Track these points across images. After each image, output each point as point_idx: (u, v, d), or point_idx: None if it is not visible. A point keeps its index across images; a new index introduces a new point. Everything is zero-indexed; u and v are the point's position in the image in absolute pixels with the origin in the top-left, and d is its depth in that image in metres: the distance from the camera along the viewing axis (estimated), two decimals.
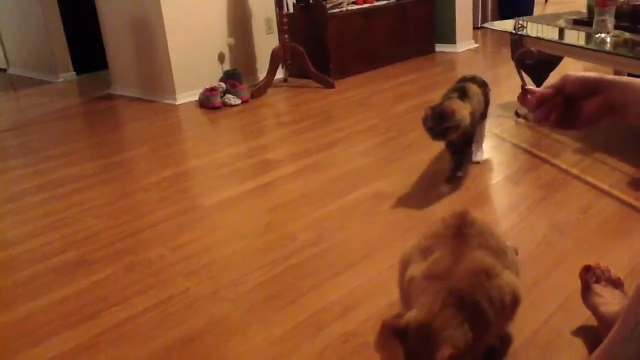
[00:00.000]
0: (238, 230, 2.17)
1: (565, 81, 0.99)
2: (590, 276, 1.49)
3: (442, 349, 1.10)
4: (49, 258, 2.05)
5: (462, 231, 1.34)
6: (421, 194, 2.34)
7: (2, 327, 1.68)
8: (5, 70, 5.82)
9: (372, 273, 1.79)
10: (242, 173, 2.75)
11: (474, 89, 2.47)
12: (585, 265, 1.51)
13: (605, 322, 1.37)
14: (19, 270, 1.99)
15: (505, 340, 1.43)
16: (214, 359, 1.47)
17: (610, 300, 1.44)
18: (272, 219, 2.23)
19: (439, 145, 2.87)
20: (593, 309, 1.44)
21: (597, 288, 1.47)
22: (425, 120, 2.28)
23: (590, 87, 0.97)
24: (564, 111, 0.99)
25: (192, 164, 2.97)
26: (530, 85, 3.19)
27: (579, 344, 1.41)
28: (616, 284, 1.49)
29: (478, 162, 2.57)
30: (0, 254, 2.11)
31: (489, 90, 2.63)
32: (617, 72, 3.28)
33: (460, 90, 2.42)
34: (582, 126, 0.99)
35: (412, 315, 1.19)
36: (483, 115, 2.59)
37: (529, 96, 1.03)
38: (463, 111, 2.29)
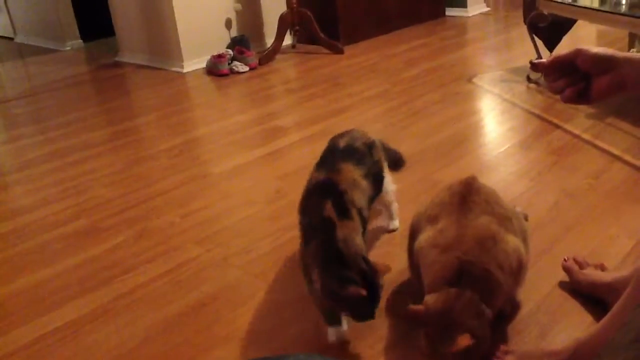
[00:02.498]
0: (248, 197, 2.17)
1: (577, 55, 0.97)
2: (571, 263, 1.50)
3: (460, 339, 1.11)
4: (60, 226, 2.07)
5: (466, 199, 1.34)
6: (432, 160, 2.33)
7: (15, 294, 1.70)
8: (12, 38, 5.79)
9: (383, 239, 1.79)
10: (252, 140, 2.74)
11: (349, 174, 1.48)
12: (564, 258, 1.53)
13: (607, 289, 1.37)
14: (30, 238, 2.01)
15: (515, 306, 1.43)
16: (224, 324, 1.48)
17: (601, 273, 1.45)
18: (281, 186, 2.22)
19: (450, 111, 2.84)
20: (588, 283, 1.44)
21: (584, 268, 1.48)
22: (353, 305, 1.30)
23: (603, 64, 0.95)
24: (580, 88, 0.97)
25: (201, 132, 2.96)
26: (541, 54, 3.14)
27: (587, 309, 1.41)
28: (601, 267, 1.49)
29: (395, 230, 1.84)
30: (12, 222, 2.13)
31: (377, 146, 1.67)
32: (632, 35, 3.22)
33: (335, 198, 1.39)
34: (593, 101, 0.98)
35: (431, 301, 1.19)
36: (377, 185, 1.62)
37: (544, 61, 1.01)
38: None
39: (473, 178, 1.38)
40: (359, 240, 1.34)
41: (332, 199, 1.37)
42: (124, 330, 1.50)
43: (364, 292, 1.20)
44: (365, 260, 1.27)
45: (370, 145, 1.62)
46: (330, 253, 1.28)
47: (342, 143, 1.58)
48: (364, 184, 1.49)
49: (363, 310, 1.26)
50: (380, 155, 1.66)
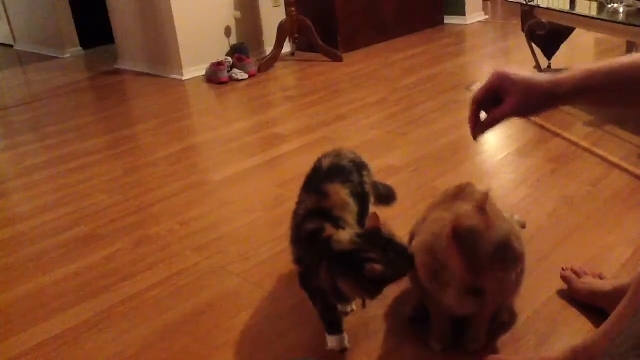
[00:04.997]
0: (247, 205, 2.17)
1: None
2: (570, 273, 1.50)
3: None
4: (59, 233, 2.07)
5: (458, 196, 1.33)
6: (431, 167, 2.33)
7: (14, 301, 1.70)
8: (12, 46, 5.80)
9: None
10: (251, 148, 2.74)
11: (338, 192, 1.41)
12: (563, 268, 1.53)
13: (606, 298, 1.37)
14: (29, 245, 2.01)
15: (512, 315, 1.43)
16: (223, 332, 1.48)
17: (600, 282, 1.45)
18: (280, 193, 2.22)
19: (449, 118, 2.85)
20: (587, 292, 1.44)
21: (582, 278, 1.48)
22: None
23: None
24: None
25: (200, 139, 2.97)
26: (539, 62, 3.15)
27: (586, 318, 1.41)
28: (599, 277, 1.49)
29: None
30: (11, 229, 2.13)
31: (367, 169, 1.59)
32: (629, 43, 3.23)
33: (324, 216, 1.35)
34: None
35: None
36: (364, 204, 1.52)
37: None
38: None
39: (468, 183, 1.38)
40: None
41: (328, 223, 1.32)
42: (122, 337, 1.50)
43: (379, 268, 1.17)
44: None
45: (359, 165, 1.56)
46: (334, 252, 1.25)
47: (326, 165, 1.52)
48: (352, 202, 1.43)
49: (381, 283, 1.22)
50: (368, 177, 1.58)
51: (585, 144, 2.41)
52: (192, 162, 2.64)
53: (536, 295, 1.49)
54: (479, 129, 1.09)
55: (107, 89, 4.08)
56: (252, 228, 1.99)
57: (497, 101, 1.06)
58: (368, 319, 1.47)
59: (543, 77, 1.03)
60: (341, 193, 1.41)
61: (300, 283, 1.37)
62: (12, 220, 2.20)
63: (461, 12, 5.20)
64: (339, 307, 1.42)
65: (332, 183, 1.42)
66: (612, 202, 1.94)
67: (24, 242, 2.03)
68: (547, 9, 3.00)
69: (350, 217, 1.38)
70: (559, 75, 1.01)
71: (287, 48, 4.43)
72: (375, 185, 1.69)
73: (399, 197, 1.82)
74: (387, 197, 1.77)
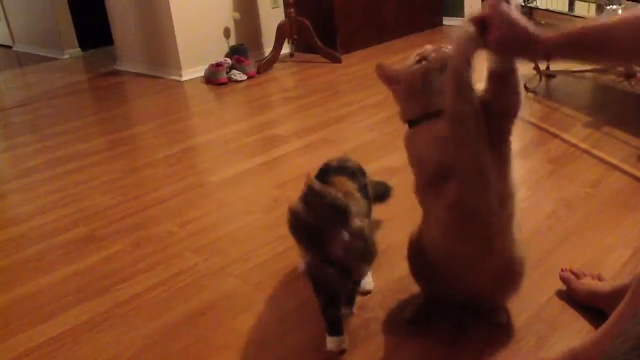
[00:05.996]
0: (246, 206, 2.17)
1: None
2: (569, 274, 1.51)
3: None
4: (59, 234, 2.06)
5: None
6: None
7: (13, 302, 1.70)
8: (10, 47, 5.80)
9: (381, 247, 1.78)
10: (250, 149, 2.74)
11: (345, 183, 1.47)
12: (562, 269, 1.53)
13: (606, 299, 1.37)
14: (29, 246, 2.01)
15: (511, 316, 1.43)
16: (222, 333, 1.48)
17: (599, 283, 1.45)
18: (280, 194, 2.22)
19: None
20: (587, 293, 1.44)
21: (581, 279, 1.49)
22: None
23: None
24: None
25: (199, 140, 2.97)
26: (537, 63, 3.15)
27: (585, 319, 1.41)
28: (598, 278, 1.49)
29: (369, 292, 1.59)
30: (10, 230, 2.13)
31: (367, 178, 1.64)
32: None
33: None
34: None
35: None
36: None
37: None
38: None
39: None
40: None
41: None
42: (121, 339, 1.50)
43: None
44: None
45: (362, 172, 1.61)
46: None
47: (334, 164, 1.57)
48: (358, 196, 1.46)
49: None
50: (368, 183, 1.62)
51: (584, 145, 2.41)
52: (191, 163, 2.64)
53: (535, 296, 1.49)
54: None
55: (106, 90, 4.08)
56: (251, 229, 1.99)
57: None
58: (368, 320, 1.47)
59: (533, 26, 1.11)
60: (347, 184, 1.44)
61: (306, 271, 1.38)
62: (11, 221, 2.20)
63: (460, 13, 5.21)
64: (343, 309, 1.43)
65: (339, 176, 1.47)
66: (611, 204, 1.94)
67: (23, 243, 2.03)
68: (546, 10, 3.01)
69: (355, 207, 1.36)
70: (548, 32, 1.10)
71: (286, 49, 4.43)
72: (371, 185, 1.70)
73: (398, 198, 1.82)
74: (382, 194, 1.80)
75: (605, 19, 1.09)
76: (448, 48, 1.23)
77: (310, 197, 1.26)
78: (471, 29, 1.14)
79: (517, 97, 1.22)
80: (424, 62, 1.26)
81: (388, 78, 1.33)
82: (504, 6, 1.13)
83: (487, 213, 1.22)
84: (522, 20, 1.12)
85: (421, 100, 1.28)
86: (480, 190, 1.19)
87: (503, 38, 1.12)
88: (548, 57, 1.19)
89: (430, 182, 1.26)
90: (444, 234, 1.29)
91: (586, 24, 1.09)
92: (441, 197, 1.23)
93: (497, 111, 1.18)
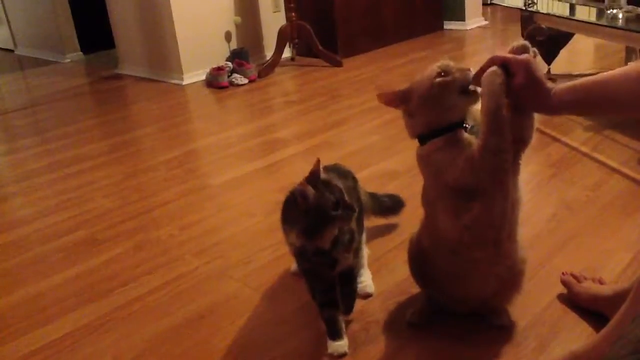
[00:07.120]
0: (247, 209, 2.17)
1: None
2: (570, 278, 1.50)
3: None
4: (60, 237, 2.07)
5: None
6: None
7: (14, 305, 1.70)
8: (12, 50, 5.81)
9: (379, 253, 1.79)
10: (251, 152, 2.75)
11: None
12: (563, 272, 1.53)
13: (607, 302, 1.37)
14: (29, 249, 2.01)
15: (513, 319, 1.43)
16: (223, 336, 1.48)
17: (601, 286, 1.45)
18: (280, 198, 2.21)
19: None
20: (588, 296, 1.43)
21: (582, 282, 1.48)
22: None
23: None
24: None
25: (201, 144, 2.97)
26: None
27: (586, 322, 1.41)
28: (599, 281, 1.49)
29: (370, 295, 1.58)
30: (11, 233, 2.13)
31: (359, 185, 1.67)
32: (629, 49, 3.24)
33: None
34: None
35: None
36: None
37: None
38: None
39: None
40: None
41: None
42: (122, 342, 1.50)
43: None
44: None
45: (354, 177, 1.63)
46: None
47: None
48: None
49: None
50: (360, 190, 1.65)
51: (584, 148, 2.41)
52: (192, 166, 2.64)
53: (536, 299, 1.49)
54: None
55: (108, 94, 4.09)
56: (252, 233, 1.99)
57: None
58: (368, 324, 1.47)
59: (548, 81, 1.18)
60: (339, 183, 1.44)
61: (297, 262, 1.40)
62: (13, 224, 2.20)
63: (461, 17, 5.22)
64: (341, 316, 1.43)
65: (330, 175, 1.48)
66: (612, 207, 1.94)
67: (24, 246, 2.03)
68: (547, 14, 3.01)
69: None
70: (558, 87, 1.15)
71: (287, 53, 4.44)
72: (375, 197, 1.72)
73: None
74: (392, 207, 1.83)
75: (608, 73, 1.12)
76: (470, 70, 1.27)
77: (318, 183, 1.33)
78: (500, 72, 1.20)
79: (532, 127, 1.29)
80: (448, 77, 1.26)
81: (393, 101, 1.40)
82: (530, 59, 1.20)
83: (502, 222, 1.26)
84: (542, 75, 1.19)
85: (435, 114, 1.29)
86: (504, 212, 1.25)
87: (525, 92, 1.19)
88: (558, 113, 1.23)
89: (445, 197, 1.27)
90: (454, 243, 1.29)
91: (589, 79, 1.14)
92: (458, 214, 1.25)
93: (514, 137, 1.22)
